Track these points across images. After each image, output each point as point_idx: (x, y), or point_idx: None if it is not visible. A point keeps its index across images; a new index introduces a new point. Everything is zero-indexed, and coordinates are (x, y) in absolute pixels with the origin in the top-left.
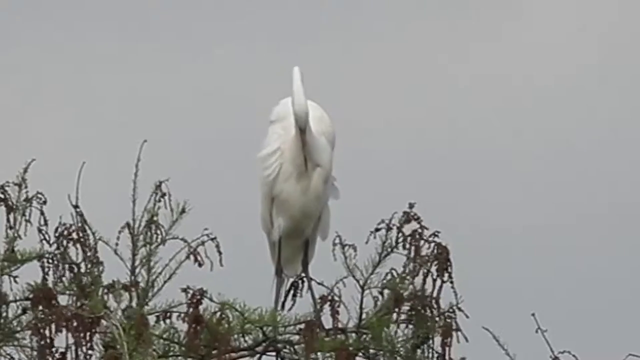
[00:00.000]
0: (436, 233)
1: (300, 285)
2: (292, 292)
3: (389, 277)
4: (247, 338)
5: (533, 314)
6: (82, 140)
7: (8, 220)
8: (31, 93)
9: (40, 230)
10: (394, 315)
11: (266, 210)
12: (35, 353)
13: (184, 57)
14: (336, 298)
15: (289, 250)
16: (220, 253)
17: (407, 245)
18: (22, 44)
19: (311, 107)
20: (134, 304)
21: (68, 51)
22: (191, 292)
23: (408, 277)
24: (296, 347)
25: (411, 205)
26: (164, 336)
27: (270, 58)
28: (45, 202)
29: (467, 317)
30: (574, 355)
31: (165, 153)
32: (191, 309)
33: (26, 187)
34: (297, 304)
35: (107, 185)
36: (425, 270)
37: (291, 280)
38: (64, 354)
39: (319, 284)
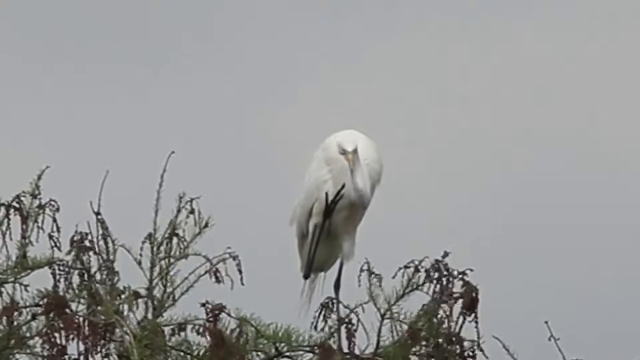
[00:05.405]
0: (466, 272)
1: (331, 306)
2: (322, 313)
3: (413, 312)
4: (258, 353)
5: (546, 322)
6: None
7: (22, 229)
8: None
9: (51, 237)
10: (413, 349)
11: (303, 215)
12: None
13: (212, 68)
14: (353, 321)
15: (323, 251)
16: (240, 272)
17: (433, 287)
18: (27, 41)
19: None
20: (149, 314)
21: (87, 56)
22: (210, 306)
23: (431, 313)
24: None
25: (445, 254)
26: (177, 348)
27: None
28: (58, 209)
29: (486, 358)
30: None
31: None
32: (209, 324)
33: (39, 193)
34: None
35: (128, 194)
36: (448, 310)
37: (321, 298)
38: None
39: (345, 307)
